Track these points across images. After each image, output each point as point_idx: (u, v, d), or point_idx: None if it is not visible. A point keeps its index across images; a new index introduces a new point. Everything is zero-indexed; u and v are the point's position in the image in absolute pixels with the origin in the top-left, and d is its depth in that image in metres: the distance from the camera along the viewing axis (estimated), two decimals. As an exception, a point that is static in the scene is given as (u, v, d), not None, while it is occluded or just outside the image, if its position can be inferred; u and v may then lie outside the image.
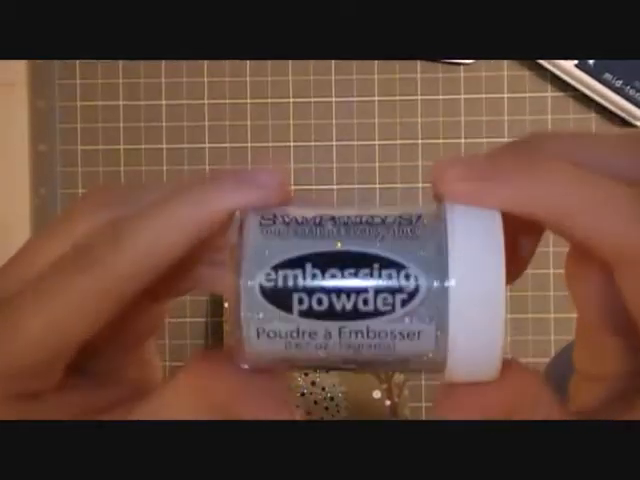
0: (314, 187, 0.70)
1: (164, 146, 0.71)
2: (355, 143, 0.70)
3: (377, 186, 0.70)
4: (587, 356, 0.23)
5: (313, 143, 0.71)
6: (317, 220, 0.19)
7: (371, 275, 0.18)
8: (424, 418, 0.70)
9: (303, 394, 0.64)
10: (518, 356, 0.69)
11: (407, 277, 0.18)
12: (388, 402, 0.65)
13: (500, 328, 0.18)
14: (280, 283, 0.18)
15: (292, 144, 0.71)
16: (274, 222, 0.19)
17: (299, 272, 0.18)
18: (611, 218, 0.18)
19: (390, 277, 0.18)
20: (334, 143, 0.71)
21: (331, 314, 0.18)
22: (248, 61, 0.70)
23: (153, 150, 0.71)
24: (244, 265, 0.18)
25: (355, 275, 0.18)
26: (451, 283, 0.18)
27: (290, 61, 0.70)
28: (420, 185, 0.70)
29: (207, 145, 0.71)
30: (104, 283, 0.19)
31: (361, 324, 0.18)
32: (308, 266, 0.18)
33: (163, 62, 0.71)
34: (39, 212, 0.70)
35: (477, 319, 0.18)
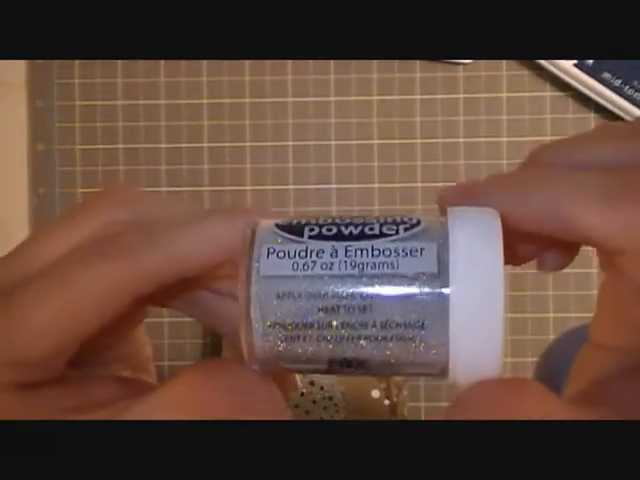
0: (313, 186, 0.70)
1: (163, 145, 0.71)
2: (354, 142, 0.70)
3: (376, 185, 0.70)
4: (608, 326, 0.23)
5: (312, 142, 0.71)
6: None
7: (377, 219, 0.20)
8: (423, 418, 0.70)
9: (302, 394, 0.64)
10: (517, 355, 0.69)
11: (410, 218, 0.20)
12: (387, 402, 0.65)
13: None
14: (294, 222, 0.20)
15: (291, 143, 0.71)
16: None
17: (313, 219, 0.20)
18: (587, 210, 0.19)
19: (394, 218, 0.20)
20: (333, 142, 0.71)
21: (338, 236, 0.20)
22: (247, 60, 0.70)
23: (152, 149, 0.71)
24: (262, 221, 0.21)
25: (363, 218, 0.20)
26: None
27: (289, 60, 0.70)
28: (419, 185, 0.70)
29: (206, 144, 0.71)
30: (129, 275, 0.19)
31: (366, 243, 0.20)
32: (322, 217, 0.21)
33: (162, 61, 0.71)
34: (38, 211, 0.70)
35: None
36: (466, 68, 0.70)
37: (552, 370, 0.53)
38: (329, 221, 0.20)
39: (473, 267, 0.19)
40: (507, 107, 0.70)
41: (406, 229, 0.20)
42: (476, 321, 0.19)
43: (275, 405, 0.20)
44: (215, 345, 0.71)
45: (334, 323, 0.19)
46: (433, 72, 0.70)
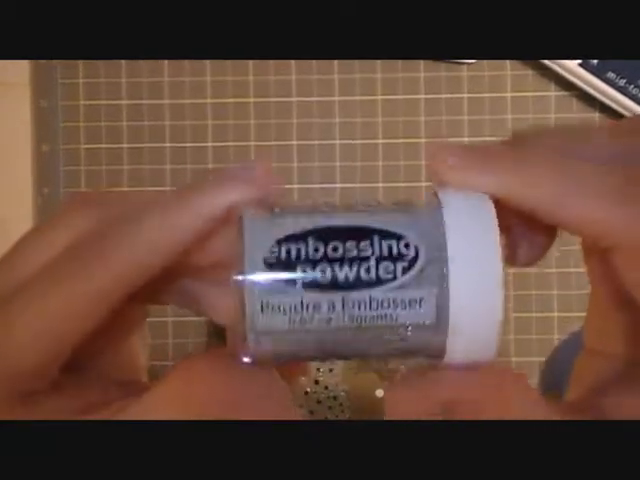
0: (317, 186, 0.70)
1: (167, 145, 0.71)
2: (358, 142, 0.70)
3: (380, 185, 0.70)
4: (597, 332, 0.23)
5: (316, 142, 0.71)
6: (313, 204, 0.20)
7: (372, 245, 0.19)
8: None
9: (306, 393, 0.64)
10: (522, 355, 0.69)
11: (407, 246, 0.19)
12: (391, 401, 0.65)
13: (500, 302, 0.19)
14: (283, 255, 0.19)
15: (295, 143, 0.71)
16: (272, 209, 0.20)
17: (302, 245, 0.19)
18: (589, 203, 0.19)
19: (390, 247, 0.19)
20: (337, 142, 0.70)
21: (334, 285, 0.19)
22: (251, 60, 0.70)
23: (156, 149, 0.71)
24: (247, 242, 0.19)
25: (357, 246, 0.19)
26: (450, 253, 0.19)
27: (293, 61, 0.70)
28: (423, 184, 0.70)
29: (210, 144, 0.71)
30: (96, 285, 0.19)
31: (364, 294, 0.19)
32: (310, 240, 0.19)
33: (166, 61, 0.71)
34: (42, 211, 0.70)
35: (477, 294, 0.19)
36: (470, 68, 0.70)
37: (555, 376, 0.53)
38: (320, 253, 0.19)
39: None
40: (511, 107, 0.69)
41: (404, 270, 0.19)
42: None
43: (276, 401, 0.20)
44: (219, 345, 0.70)
45: (329, 360, 0.20)
46: (437, 72, 0.70)
